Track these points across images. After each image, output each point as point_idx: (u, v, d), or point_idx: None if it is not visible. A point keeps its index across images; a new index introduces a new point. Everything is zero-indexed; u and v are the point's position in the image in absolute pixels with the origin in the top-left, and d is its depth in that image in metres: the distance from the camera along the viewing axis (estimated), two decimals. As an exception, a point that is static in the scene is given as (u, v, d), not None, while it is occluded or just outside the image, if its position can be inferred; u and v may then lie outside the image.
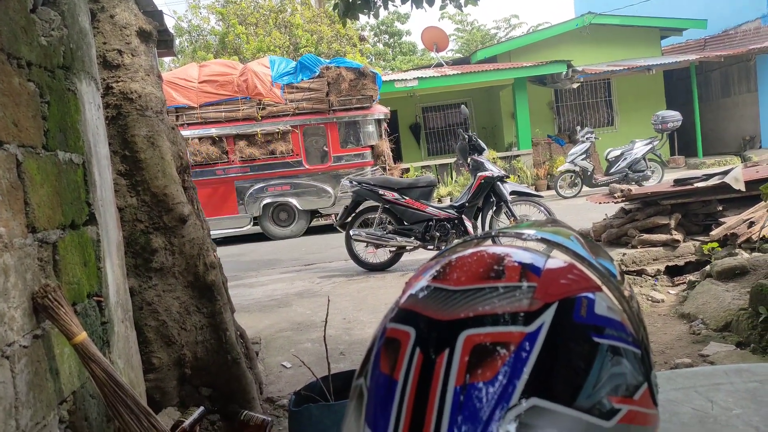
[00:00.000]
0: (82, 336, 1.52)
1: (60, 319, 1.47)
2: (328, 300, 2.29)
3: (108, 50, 2.53)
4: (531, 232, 0.54)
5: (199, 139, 8.78)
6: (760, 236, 4.01)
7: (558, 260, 0.49)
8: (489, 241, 0.55)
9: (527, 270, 0.46)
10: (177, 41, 19.53)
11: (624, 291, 0.52)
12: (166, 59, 19.56)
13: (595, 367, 0.43)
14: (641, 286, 4.45)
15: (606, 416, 0.43)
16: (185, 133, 8.72)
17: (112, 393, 1.56)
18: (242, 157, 8.86)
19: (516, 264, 0.47)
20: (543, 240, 0.53)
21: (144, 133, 2.52)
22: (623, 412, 0.44)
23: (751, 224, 4.22)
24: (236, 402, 2.41)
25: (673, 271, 4.53)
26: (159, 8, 4.79)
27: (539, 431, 0.39)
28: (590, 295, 0.47)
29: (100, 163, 2.15)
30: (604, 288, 0.48)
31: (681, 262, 4.52)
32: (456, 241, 0.57)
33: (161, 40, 4.92)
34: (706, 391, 0.79)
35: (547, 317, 0.43)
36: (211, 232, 9.42)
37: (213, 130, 8.82)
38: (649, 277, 4.58)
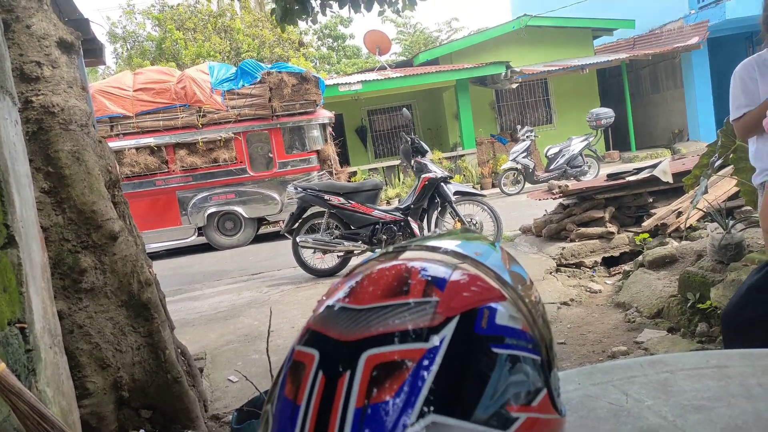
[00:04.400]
0: (1, 367, 1.43)
1: (-26, 350, 1.38)
2: (270, 312, 2.25)
3: (25, 62, 2.40)
4: (442, 244, 0.55)
5: (137, 149, 8.47)
6: (687, 225, 4.24)
7: (463, 272, 0.49)
8: (401, 255, 0.55)
9: (431, 285, 0.47)
10: (111, 48, 18.81)
11: (531, 297, 0.53)
12: (101, 68, 18.79)
13: (493, 378, 0.44)
14: (580, 278, 4.61)
15: (503, 426, 0.43)
16: (121, 143, 8.40)
17: (36, 426, 1.47)
18: (183, 167, 8.61)
19: (421, 279, 0.47)
20: (454, 253, 0.53)
21: (68, 148, 2.41)
22: (521, 420, 0.44)
23: (679, 214, 4.45)
24: (179, 422, 2.33)
25: (609, 262, 4.72)
26: (86, 16, 4.58)
27: None
28: (492, 305, 0.47)
29: (20, 182, 2.03)
30: (507, 297, 0.49)
31: (616, 253, 4.72)
32: (368, 256, 0.57)
33: (89, 48, 4.73)
34: (622, 384, 0.82)
35: (448, 331, 0.43)
36: (153, 245, 9.11)
37: (151, 140, 8.53)
38: (588, 269, 4.75)
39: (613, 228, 4.76)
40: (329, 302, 0.49)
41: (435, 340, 0.43)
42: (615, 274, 4.48)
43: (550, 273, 4.63)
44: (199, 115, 8.65)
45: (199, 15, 17.81)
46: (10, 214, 1.90)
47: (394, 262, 0.51)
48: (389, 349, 0.42)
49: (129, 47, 18.78)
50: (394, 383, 0.40)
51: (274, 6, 5.03)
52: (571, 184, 5.56)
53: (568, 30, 14.21)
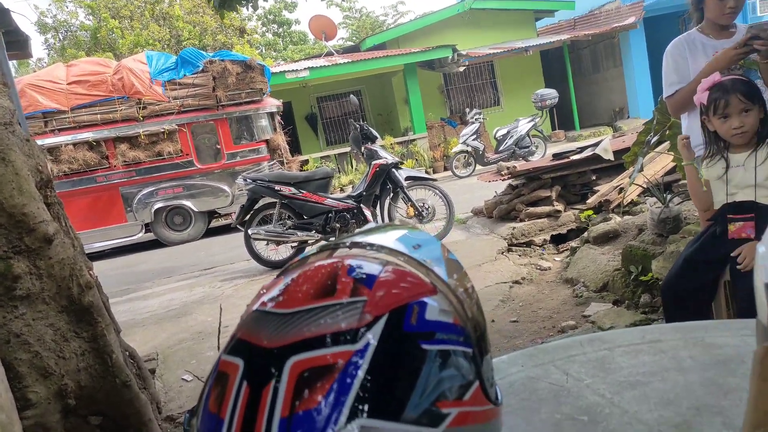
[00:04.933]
0: (-75, 386, 1.34)
1: None
2: (221, 309, 2.20)
3: (-63, 56, 2.23)
4: (378, 239, 0.53)
5: (74, 145, 8.07)
6: (628, 201, 4.41)
7: (393, 268, 0.48)
8: (334, 253, 0.54)
9: (360, 284, 0.46)
10: (42, 39, 17.79)
11: (466, 286, 0.53)
12: (32, 61, 17.74)
13: (423, 376, 0.43)
14: (530, 257, 4.74)
15: (434, 423, 0.43)
16: (57, 139, 7.99)
17: (-30, 444, 1.39)
18: (125, 161, 8.27)
19: (348, 278, 0.46)
20: (387, 249, 0.52)
21: (-8, 148, 2.26)
22: (452, 415, 0.44)
23: (621, 190, 4.62)
24: (131, 427, 2.26)
25: (557, 240, 4.87)
26: (6, 5, 4.29)
27: None
28: (423, 300, 0.46)
29: (-62, 186, 1.90)
30: (439, 290, 0.48)
31: (564, 231, 4.87)
32: (298, 257, 0.55)
33: (12, 41, 4.45)
34: (563, 363, 0.84)
35: (376, 331, 0.43)
36: (97, 245, 8.75)
37: (89, 134, 8.14)
38: (537, 247, 4.88)
39: (560, 206, 4.89)
40: (256, 307, 0.48)
41: (363, 341, 0.42)
42: (563, 251, 4.62)
43: (502, 253, 4.73)
44: (140, 107, 8.31)
45: (135, 2, 17.04)
46: (-70, 222, 1.77)
47: (325, 261, 0.50)
48: (316, 354, 0.41)
49: (61, 38, 17.81)
50: (320, 389, 0.39)
51: (211, -10, 4.86)
52: (519, 165, 5.68)
53: (511, 12, 14.41)
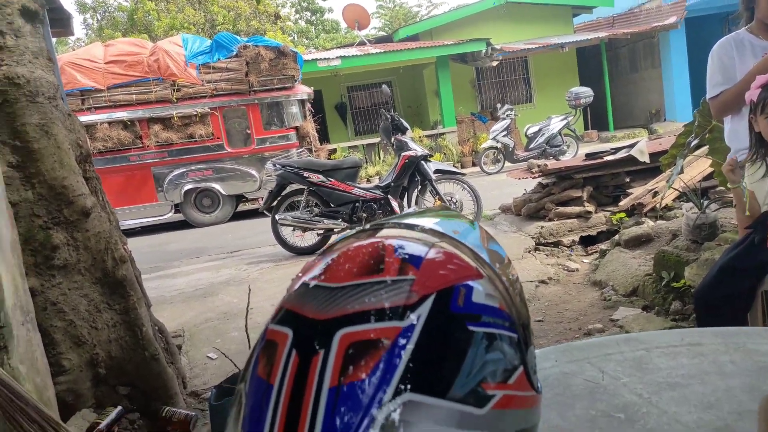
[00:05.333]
0: (-31, 346, 1.39)
1: (-59, 329, 1.34)
2: (249, 290, 2.24)
3: (-13, 31, 2.29)
4: (420, 222, 0.54)
5: (109, 123, 8.25)
6: (663, 205, 4.31)
7: (439, 250, 0.48)
8: (378, 233, 0.54)
9: (407, 263, 0.46)
10: (81, 18, 18.18)
11: (509, 275, 0.53)
12: (71, 39, 18.13)
13: (469, 356, 0.43)
14: (558, 257, 4.68)
15: (479, 404, 0.43)
16: (93, 117, 8.17)
17: (8, 403, 1.44)
18: (158, 142, 8.42)
19: (397, 257, 0.46)
20: (431, 231, 0.52)
21: (36, 121, 2.32)
22: (497, 397, 0.44)
23: (655, 194, 4.53)
24: (157, 399, 2.32)
25: (586, 241, 4.79)
26: (52, -17, 4.40)
27: (414, 426, 0.39)
28: (469, 283, 0.46)
29: (-15, 156, 1.97)
30: (484, 275, 0.48)
31: (594, 232, 4.79)
32: (344, 234, 0.55)
33: (56, 18, 4.54)
34: (598, 361, 0.83)
35: (424, 310, 0.43)
36: (129, 222, 8.97)
37: (124, 114, 8.30)
38: (565, 248, 4.82)
39: (590, 207, 4.81)
40: (304, 280, 0.48)
41: (411, 319, 0.42)
42: (592, 253, 4.56)
43: (529, 252, 4.69)
44: (174, 89, 8.44)
45: (172, -15, 17.27)
46: (-24, 190, 1.84)
47: (370, 240, 0.50)
48: (364, 328, 0.41)
49: (99, 18, 18.16)
50: (369, 362, 0.40)
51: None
52: (550, 164, 5.60)
53: (548, 7, 14.16)
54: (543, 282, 3.97)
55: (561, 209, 4.96)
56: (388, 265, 0.45)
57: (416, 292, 0.43)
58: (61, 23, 4.92)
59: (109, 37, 15.67)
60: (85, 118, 8.07)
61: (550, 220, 4.99)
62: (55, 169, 2.33)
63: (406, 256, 0.46)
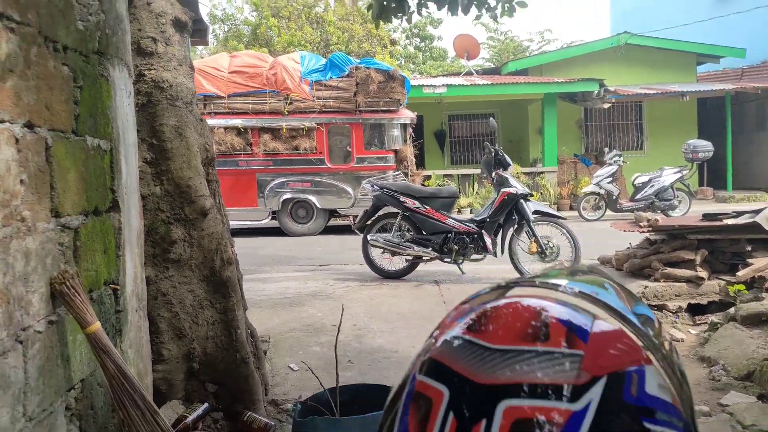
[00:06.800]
0: (96, 326, 1.51)
1: (75, 306, 1.47)
2: (342, 309, 2.26)
3: (143, 37, 2.54)
4: (565, 282, 0.50)
5: (225, 129, 8.83)
6: (789, 281, 3.89)
7: (604, 323, 0.45)
8: (523, 290, 0.52)
9: (573, 333, 0.43)
10: (211, 28, 19.78)
11: (665, 345, 0.48)
12: (199, 46, 19.76)
13: (641, 456, 0.39)
14: (661, 322, 4.35)
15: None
16: (211, 122, 8.77)
17: (119, 386, 1.55)
18: (266, 151, 8.89)
19: (560, 324, 0.44)
20: (581, 294, 0.49)
21: (172, 123, 2.52)
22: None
23: (781, 267, 4.09)
24: (241, 402, 2.40)
25: (695, 310, 4.41)
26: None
27: None
28: (640, 369, 0.43)
29: (128, 150, 2.15)
30: (653, 361, 0.44)
31: (704, 301, 4.40)
32: (487, 288, 0.53)
33: (195, 29, 4.94)
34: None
35: (595, 394, 0.40)
36: (230, 224, 9.41)
37: (239, 121, 8.86)
38: (670, 314, 4.47)
39: (703, 273, 4.44)
40: (453, 332, 0.46)
41: (583, 402, 0.39)
42: (700, 324, 4.18)
43: (627, 310, 4.39)
44: (286, 103, 8.90)
45: (294, 4, 18.34)
46: (117, 180, 2.01)
47: (522, 298, 0.48)
48: (531, 404, 0.39)
49: (226, 29, 19.63)
50: None
51: (369, 2, 5.08)
52: (661, 219, 5.25)
53: (670, 53, 13.46)
54: (641, 346, 3.68)
55: (669, 270, 4.62)
56: (553, 334, 0.42)
57: (586, 371, 0.40)
58: (199, 33, 5.35)
59: (233, 48, 16.87)
60: (206, 121, 8.68)
61: (656, 280, 4.66)
62: (182, 169, 2.51)
63: (570, 326, 0.43)
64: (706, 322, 4.04)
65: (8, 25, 1.35)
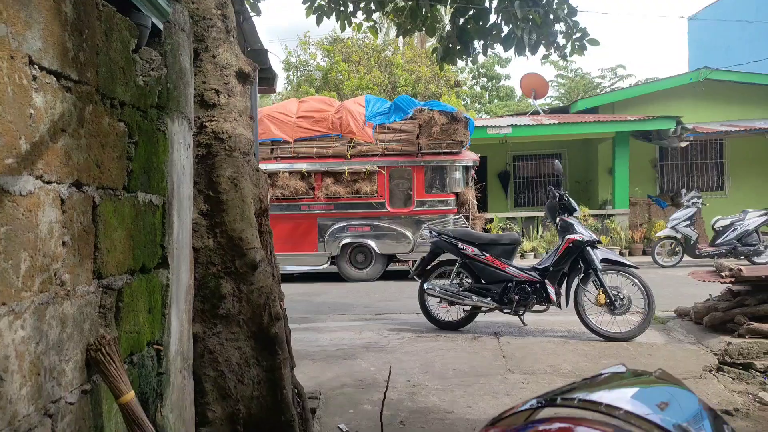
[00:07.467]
0: (130, 396, 1.46)
1: (110, 375, 1.43)
2: (390, 370, 2.13)
3: (206, 89, 2.58)
4: (611, 399, 0.41)
5: (289, 173, 9.03)
6: None
7: None
8: (557, 411, 0.43)
9: None
10: (285, 74, 20.66)
11: None
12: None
13: None
14: (748, 383, 3.92)
15: None
16: (277, 166, 9.00)
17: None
18: (327, 195, 8.98)
19: None
20: (628, 415, 0.40)
21: (229, 174, 2.53)
22: None
23: None
24: (284, 466, 2.29)
25: (789, 372, 3.93)
26: (267, 46, 4.99)
27: None
28: None
29: (182, 204, 2.15)
30: None
31: (798, 362, 3.92)
32: (519, 404, 0.43)
33: (264, 77, 5.12)
34: None
35: None
36: (289, 268, 9.52)
37: (304, 165, 9.04)
38: (758, 373, 4.03)
39: (798, 331, 3.97)
40: None
41: None
42: (795, 387, 3.71)
43: (710, 371, 3.99)
44: (350, 146, 9.01)
45: (365, 49, 18.91)
46: (168, 236, 1.99)
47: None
48: None
49: (299, 74, 20.47)
50: None
51: (435, 44, 5.09)
52: (746, 268, 4.78)
53: (753, 87, 12.67)
54: (727, 413, 3.31)
55: (756, 325, 4.21)
56: None
57: None
58: (267, 81, 5.55)
59: (305, 92, 17.53)
60: (272, 166, 8.94)
61: (741, 336, 4.25)
62: (236, 221, 2.50)
63: None
64: (804, 390, 3.57)
65: (65, 84, 1.36)
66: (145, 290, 1.81)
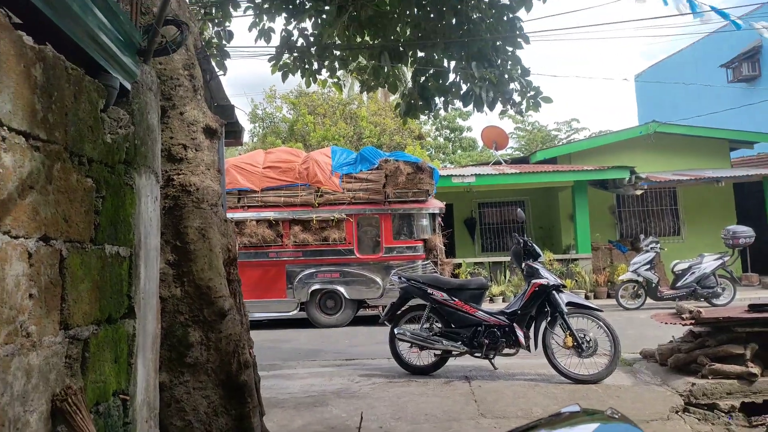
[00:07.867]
0: (95, 447, 1.43)
1: (76, 425, 1.40)
2: (361, 418, 2.12)
3: (174, 144, 2.64)
4: None
5: (257, 221, 9.02)
6: None
7: None
8: None
9: None
10: (251, 126, 20.86)
11: None
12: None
13: None
14: (713, 423, 3.99)
15: None
16: (244, 215, 8.99)
17: None
18: (296, 242, 8.98)
19: None
20: None
21: (197, 225, 2.56)
22: None
23: None
24: None
25: (750, 409, 4.04)
26: (233, 101, 5.12)
27: None
28: None
29: (149, 255, 2.16)
30: None
31: (759, 399, 4.04)
32: None
33: (231, 131, 5.21)
34: None
35: None
36: (258, 315, 9.35)
37: (271, 214, 9.05)
38: (723, 414, 4.10)
39: (755, 369, 4.11)
40: None
41: None
42: (757, 425, 3.81)
43: (677, 412, 4.05)
44: (317, 195, 9.10)
45: (330, 102, 19.32)
46: (134, 286, 2.00)
47: None
48: None
49: (265, 126, 20.68)
50: None
51: (398, 100, 5.30)
52: (705, 311, 4.95)
53: (701, 140, 13.45)
54: (694, 454, 3.35)
55: (717, 366, 4.29)
56: None
57: None
58: (234, 135, 5.63)
59: (271, 143, 17.67)
60: (239, 215, 8.92)
61: (704, 376, 4.33)
62: (203, 270, 2.51)
63: None
64: (763, 424, 3.67)
65: (34, 144, 1.40)
66: (111, 340, 1.80)
